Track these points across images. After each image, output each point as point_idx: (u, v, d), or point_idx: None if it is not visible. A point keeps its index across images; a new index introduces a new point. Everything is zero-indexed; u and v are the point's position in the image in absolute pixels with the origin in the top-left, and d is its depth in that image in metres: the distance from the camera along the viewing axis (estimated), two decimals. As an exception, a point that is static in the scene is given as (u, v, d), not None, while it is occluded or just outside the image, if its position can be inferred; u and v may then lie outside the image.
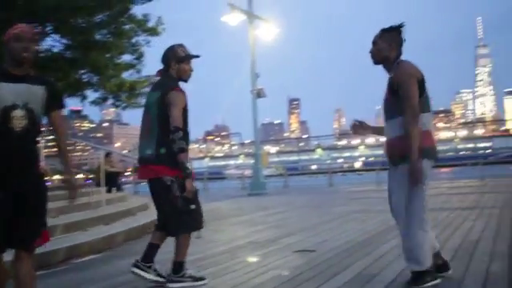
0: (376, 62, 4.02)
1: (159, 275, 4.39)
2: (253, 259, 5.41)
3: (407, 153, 3.73)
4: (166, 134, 4.21)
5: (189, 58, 4.50)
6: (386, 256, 5.06)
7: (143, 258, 4.42)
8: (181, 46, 4.54)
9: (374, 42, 3.99)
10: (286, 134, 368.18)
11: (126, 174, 32.13)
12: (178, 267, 4.33)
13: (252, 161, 22.40)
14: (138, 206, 10.69)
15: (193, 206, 4.33)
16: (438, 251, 3.99)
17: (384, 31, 3.98)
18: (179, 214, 4.27)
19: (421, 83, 3.80)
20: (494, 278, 3.88)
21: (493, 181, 19.31)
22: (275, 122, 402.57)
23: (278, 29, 22.14)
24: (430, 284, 3.71)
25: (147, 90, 17.47)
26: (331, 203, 13.04)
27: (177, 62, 4.44)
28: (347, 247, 5.74)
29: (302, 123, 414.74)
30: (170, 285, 4.28)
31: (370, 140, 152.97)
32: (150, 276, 4.37)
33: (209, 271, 4.70)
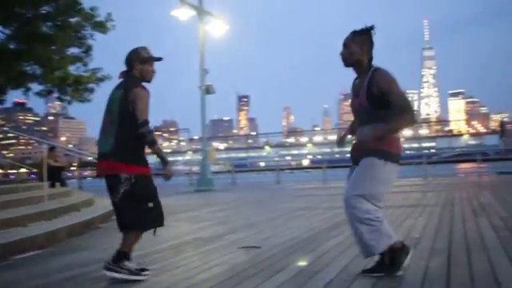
0: (347, 65, 3.99)
1: (142, 269, 4.41)
2: (197, 255, 5.37)
3: (375, 148, 3.78)
4: (125, 130, 4.27)
5: (152, 59, 4.58)
6: (329, 253, 5.11)
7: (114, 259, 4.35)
8: (144, 48, 4.62)
9: (346, 45, 3.94)
10: (234, 131, 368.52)
11: (71, 168, 31.55)
12: (118, 256, 4.32)
13: (200, 157, 22.33)
14: (82, 201, 10.52)
15: (151, 204, 4.37)
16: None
17: (355, 34, 3.92)
18: (128, 211, 4.31)
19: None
20: (432, 274, 3.96)
21: (435, 179, 19.85)
22: (224, 118, 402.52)
23: (227, 25, 22.11)
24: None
25: (94, 85, 17.27)
26: (278, 200, 13.12)
27: (140, 62, 4.50)
28: (291, 244, 5.78)
29: (251, 120, 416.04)
30: (106, 272, 4.28)
31: (318, 138, 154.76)
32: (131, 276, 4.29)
33: (152, 267, 4.65)
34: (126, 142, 4.27)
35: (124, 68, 4.55)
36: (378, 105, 3.78)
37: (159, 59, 4.61)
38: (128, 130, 4.26)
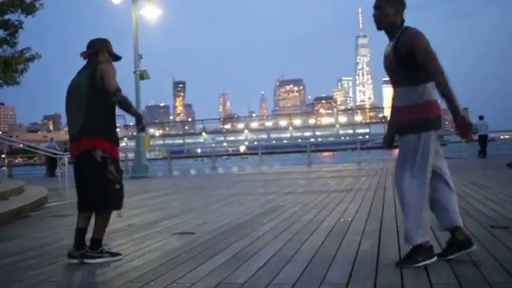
0: (380, 28, 3.77)
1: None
2: (130, 242, 5.30)
3: (414, 122, 3.62)
4: (97, 106, 4.36)
5: (117, 57, 4.73)
6: (263, 237, 5.13)
7: (76, 246, 4.42)
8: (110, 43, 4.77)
9: (380, 7, 3.71)
10: (171, 117, 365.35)
11: (1, 156, 30.52)
12: (96, 243, 4.41)
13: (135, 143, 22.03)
14: (12, 189, 10.17)
15: (117, 186, 4.52)
16: (457, 227, 3.76)
17: None
18: (107, 191, 4.43)
19: None
20: (363, 255, 4.04)
21: (369, 165, 20.27)
22: (160, 104, 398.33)
23: (160, 10, 21.80)
24: (421, 263, 3.58)
25: (23, 65, 16.66)
26: (214, 186, 13.12)
27: (108, 53, 4.63)
28: (226, 229, 5.78)
29: (188, 106, 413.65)
30: (89, 260, 4.32)
31: (254, 124, 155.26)
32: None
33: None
34: (98, 117, 4.37)
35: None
36: (406, 65, 3.60)
37: (119, 58, 4.75)
38: (99, 106, 4.37)
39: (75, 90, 4.47)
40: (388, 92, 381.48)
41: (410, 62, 3.57)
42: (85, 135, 4.36)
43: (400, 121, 3.76)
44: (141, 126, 4.80)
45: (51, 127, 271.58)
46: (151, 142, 28.58)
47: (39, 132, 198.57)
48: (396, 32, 3.69)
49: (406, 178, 3.69)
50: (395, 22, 3.69)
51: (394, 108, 3.91)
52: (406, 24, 3.72)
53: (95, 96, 4.36)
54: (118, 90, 4.36)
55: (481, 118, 23.34)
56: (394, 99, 3.90)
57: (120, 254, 4.50)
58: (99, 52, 4.58)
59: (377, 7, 3.71)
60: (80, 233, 4.48)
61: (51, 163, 22.28)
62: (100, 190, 4.42)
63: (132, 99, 17.19)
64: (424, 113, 3.61)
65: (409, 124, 3.65)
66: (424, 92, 3.61)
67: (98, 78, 4.35)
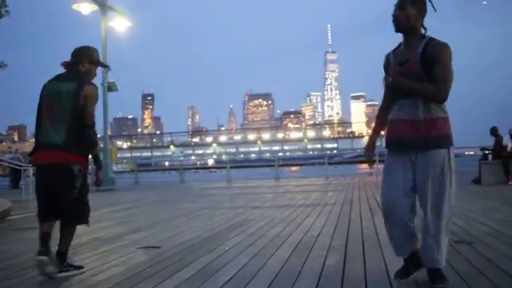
0: (399, 30, 3.52)
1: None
2: (95, 256, 5.23)
3: (444, 135, 3.40)
4: (77, 124, 4.35)
5: (101, 64, 4.69)
6: (229, 252, 5.12)
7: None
8: (96, 50, 4.74)
9: (402, 7, 3.47)
10: (139, 130, 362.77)
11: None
12: (63, 257, 4.39)
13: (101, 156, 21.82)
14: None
15: (86, 199, 4.56)
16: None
17: None
18: (81, 204, 4.49)
19: None
20: (329, 270, 4.06)
21: (336, 179, 20.41)
22: (129, 116, 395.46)
23: (129, 22, 21.73)
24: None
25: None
26: (181, 200, 13.05)
27: (89, 62, 4.58)
28: (192, 243, 5.74)
29: (156, 119, 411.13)
30: (60, 274, 4.29)
31: (223, 138, 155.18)
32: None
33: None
34: (78, 134, 4.36)
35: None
36: (428, 72, 3.34)
37: (105, 66, 4.67)
38: (79, 124, 4.36)
39: (56, 99, 4.39)
40: (356, 107, 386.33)
41: (431, 71, 3.36)
42: (64, 149, 4.33)
43: (422, 135, 3.39)
44: (98, 176, 4.91)
45: (16, 138, 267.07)
46: (118, 155, 28.32)
47: (3, 143, 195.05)
48: (414, 38, 3.48)
49: (442, 195, 3.42)
50: (415, 26, 3.47)
51: (402, 121, 3.50)
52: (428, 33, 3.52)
53: (77, 113, 4.35)
54: (94, 123, 4.44)
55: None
56: (400, 111, 3.53)
57: (83, 267, 4.48)
58: (80, 63, 4.56)
59: (400, 7, 3.47)
60: (47, 237, 4.41)
61: (15, 175, 21.86)
62: (76, 202, 4.44)
63: (100, 111, 16.98)
64: (447, 128, 3.44)
65: (436, 138, 3.38)
66: (445, 105, 3.44)
67: (82, 97, 4.35)
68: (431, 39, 3.42)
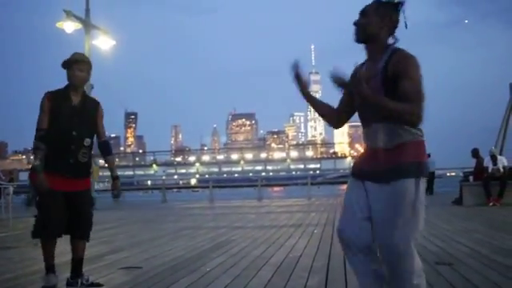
0: (359, 39, 3.03)
1: None
2: (75, 277, 5.17)
3: (403, 166, 2.76)
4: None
5: (63, 64, 4.57)
6: (211, 273, 5.10)
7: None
8: (74, 53, 4.68)
9: (365, 13, 3.01)
10: (121, 148, 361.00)
11: None
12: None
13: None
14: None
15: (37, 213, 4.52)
16: None
17: (380, 3, 3.01)
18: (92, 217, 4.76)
19: None
20: (310, 293, 4.07)
21: (319, 200, 20.44)
22: (111, 135, 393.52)
23: (113, 40, 21.74)
24: None
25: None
26: (163, 219, 12.98)
27: (64, 68, 4.55)
28: (174, 264, 5.72)
29: (139, 138, 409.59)
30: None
31: (206, 157, 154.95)
32: None
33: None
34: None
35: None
36: (392, 92, 2.76)
37: (63, 64, 4.54)
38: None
39: (87, 117, 4.58)
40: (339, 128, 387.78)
41: (396, 89, 2.79)
42: (87, 176, 4.61)
43: (391, 163, 2.80)
44: (117, 189, 4.95)
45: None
46: (100, 173, 28.11)
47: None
48: (377, 49, 2.97)
49: (404, 235, 2.73)
50: (379, 36, 2.97)
51: (372, 150, 2.96)
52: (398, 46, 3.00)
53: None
54: (37, 130, 4.42)
55: (428, 155, 23.80)
56: (367, 138, 3.03)
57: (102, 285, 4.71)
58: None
59: (362, 13, 3.04)
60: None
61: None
62: (91, 216, 4.78)
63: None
64: (420, 155, 2.85)
65: (406, 165, 2.77)
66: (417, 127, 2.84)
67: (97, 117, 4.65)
68: (396, 50, 2.91)
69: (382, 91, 2.81)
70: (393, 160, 2.79)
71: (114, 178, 4.78)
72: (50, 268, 4.52)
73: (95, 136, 4.62)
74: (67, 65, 4.51)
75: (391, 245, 2.74)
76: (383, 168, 2.81)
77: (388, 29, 2.99)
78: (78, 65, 4.50)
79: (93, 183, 19.57)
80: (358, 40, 3.03)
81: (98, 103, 4.75)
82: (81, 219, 4.60)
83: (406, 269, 2.72)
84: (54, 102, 4.41)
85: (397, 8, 3.00)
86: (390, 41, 3.00)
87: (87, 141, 4.47)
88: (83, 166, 4.48)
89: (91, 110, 4.60)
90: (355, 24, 3.03)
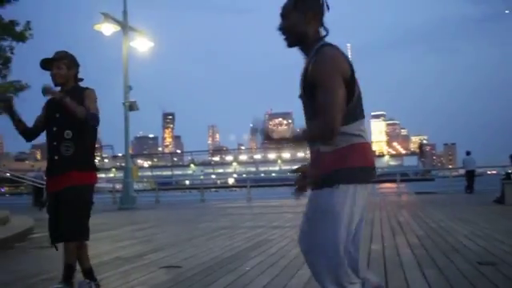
0: (290, 44, 2.74)
1: None
2: (116, 275, 5.25)
3: (321, 176, 2.57)
4: None
5: (43, 67, 4.38)
6: (250, 272, 5.10)
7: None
8: (55, 52, 4.42)
9: (284, 15, 2.72)
10: (159, 149, 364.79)
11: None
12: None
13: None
14: (-3, 219, 10.07)
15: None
16: None
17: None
18: None
19: (349, 81, 2.53)
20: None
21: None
22: (149, 135, 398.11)
23: (152, 42, 21.94)
24: None
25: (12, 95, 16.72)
26: (201, 219, 13.04)
27: (45, 70, 4.35)
28: (213, 263, 5.74)
29: (176, 138, 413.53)
30: None
31: (243, 157, 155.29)
32: None
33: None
34: None
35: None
36: (313, 98, 2.56)
37: (40, 64, 4.35)
38: None
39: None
40: (376, 126, 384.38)
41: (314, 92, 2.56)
42: (74, 170, 4.26)
43: (315, 168, 2.67)
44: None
45: (39, 157, 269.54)
46: (139, 173, 28.44)
47: (26, 161, 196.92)
48: (310, 49, 2.66)
49: (313, 243, 2.58)
50: (306, 33, 2.67)
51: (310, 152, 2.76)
52: (328, 38, 2.70)
53: None
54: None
55: (468, 153, 23.49)
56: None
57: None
58: None
59: (281, 16, 2.74)
60: None
61: (38, 193, 22.13)
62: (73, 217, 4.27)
63: (121, 130, 17.17)
64: (338, 163, 2.53)
65: (322, 176, 2.56)
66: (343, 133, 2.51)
67: None
68: (318, 50, 2.59)
69: (303, 93, 2.66)
70: (314, 170, 2.66)
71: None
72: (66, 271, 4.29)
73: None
74: (49, 66, 4.34)
75: (302, 250, 2.68)
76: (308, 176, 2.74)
77: (315, 22, 2.68)
78: (56, 63, 4.29)
79: (131, 183, 19.82)
80: (289, 45, 2.75)
81: (86, 89, 4.34)
82: (64, 218, 4.14)
83: (316, 277, 2.58)
84: (46, 105, 4.37)
85: None
86: (323, 32, 2.69)
87: (67, 133, 4.15)
88: (68, 160, 4.15)
89: (76, 98, 4.13)
90: (279, 29, 2.74)
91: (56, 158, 4.18)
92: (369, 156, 2.62)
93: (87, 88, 4.34)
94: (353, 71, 2.57)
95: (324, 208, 2.52)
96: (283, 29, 2.72)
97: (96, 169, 4.42)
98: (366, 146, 2.62)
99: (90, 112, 4.10)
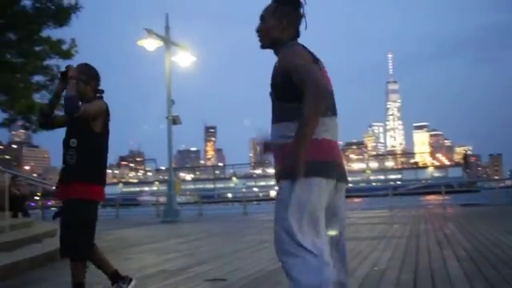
0: (263, 46, 2.93)
1: None
2: (162, 288, 5.29)
3: (281, 168, 2.70)
4: None
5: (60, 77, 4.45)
6: (295, 285, 5.08)
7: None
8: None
9: (263, 17, 2.89)
10: (202, 162, 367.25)
11: (35, 198, 30.97)
12: None
13: (166, 187, 22.19)
14: (45, 231, 10.28)
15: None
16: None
17: (278, 3, 2.86)
18: None
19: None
20: (397, 307, 3.98)
21: (401, 211, 20.00)
22: (191, 149, 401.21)
23: (194, 57, 22.17)
24: None
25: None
26: (245, 232, 13.05)
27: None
28: (258, 276, 5.74)
29: (218, 151, 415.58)
30: None
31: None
32: None
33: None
34: None
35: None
36: (281, 94, 2.72)
37: (60, 76, 4.46)
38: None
39: (77, 118, 4.25)
40: (419, 137, 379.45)
41: (286, 90, 2.67)
42: (76, 180, 4.25)
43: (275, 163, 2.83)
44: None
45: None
46: (182, 186, 28.67)
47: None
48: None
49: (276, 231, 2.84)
50: (280, 39, 2.84)
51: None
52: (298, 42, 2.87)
53: None
54: None
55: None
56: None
57: None
58: None
59: (261, 18, 2.91)
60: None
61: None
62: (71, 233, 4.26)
63: (164, 144, 17.45)
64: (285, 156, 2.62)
65: (282, 167, 2.68)
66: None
67: None
68: (285, 47, 2.80)
69: (272, 92, 2.80)
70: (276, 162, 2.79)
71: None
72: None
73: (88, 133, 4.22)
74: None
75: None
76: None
77: (289, 29, 2.84)
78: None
79: (174, 196, 19.99)
80: (263, 46, 2.93)
81: (94, 98, 4.37)
82: (61, 232, 4.18)
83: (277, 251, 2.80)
84: None
85: (297, 6, 2.84)
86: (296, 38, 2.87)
87: (73, 141, 4.16)
88: (71, 168, 4.15)
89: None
90: (256, 31, 2.92)
91: (63, 166, 4.23)
92: (333, 152, 2.71)
93: (99, 99, 4.40)
94: (320, 70, 2.69)
95: (285, 199, 2.67)
96: (259, 31, 2.90)
97: (102, 183, 4.35)
98: (331, 143, 2.70)
99: (70, 97, 4.09)
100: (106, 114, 4.33)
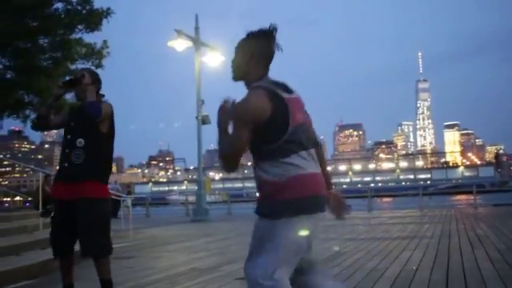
0: (234, 79, 2.85)
1: None
2: (195, 286, 5.33)
3: (259, 206, 2.80)
4: None
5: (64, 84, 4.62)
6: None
7: None
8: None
9: (235, 50, 2.83)
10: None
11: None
12: None
13: (196, 187, 22.32)
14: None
15: None
16: None
17: (248, 36, 2.78)
18: None
19: (269, 121, 2.56)
20: (430, 307, 3.95)
21: (432, 211, 19.78)
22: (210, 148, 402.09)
23: (223, 56, 22.22)
24: None
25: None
26: (274, 231, 13.05)
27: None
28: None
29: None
30: None
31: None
32: None
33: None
34: None
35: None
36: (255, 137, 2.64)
37: (64, 83, 4.63)
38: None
39: (83, 118, 4.38)
40: (450, 136, 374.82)
41: (259, 133, 2.60)
42: (87, 179, 4.33)
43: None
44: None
45: (114, 169, 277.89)
46: (211, 186, 28.77)
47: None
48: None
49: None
50: (247, 73, 2.77)
51: None
52: (267, 78, 2.78)
53: None
54: None
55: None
56: None
57: None
58: None
59: (235, 49, 2.83)
60: None
61: (114, 205, 22.78)
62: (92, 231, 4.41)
63: (194, 143, 17.46)
64: (279, 194, 2.59)
65: (260, 206, 2.78)
66: (272, 165, 2.62)
67: None
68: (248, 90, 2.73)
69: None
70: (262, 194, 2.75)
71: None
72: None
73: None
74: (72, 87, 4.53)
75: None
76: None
77: (256, 63, 2.74)
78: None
79: (204, 195, 20.09)
80: (233, 79, 2.85)
81: (103, 102, 4.46)
82: (79, 232, 4.26)
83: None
84: (68, 114, 4.57)
85: (268, 38, 2.73)
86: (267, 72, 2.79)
87: (80, 141, 4.20)
88: (78, 167, 4.17)
89: None
90: (232, 62, 2.84)
91: (66, 165, 4.24)
92: (310, 186, 2.61)
93: (105, 101, 4.47)
94: (281, 109, 2.57)
95: (264, 237, 2.69)
96: (232, 63, 2.83)
97: (107, 181, 4.48)
98: (307, 177, 2.60)
99: (93, 102, 4.26)
100: (112, 116, 4.43)
